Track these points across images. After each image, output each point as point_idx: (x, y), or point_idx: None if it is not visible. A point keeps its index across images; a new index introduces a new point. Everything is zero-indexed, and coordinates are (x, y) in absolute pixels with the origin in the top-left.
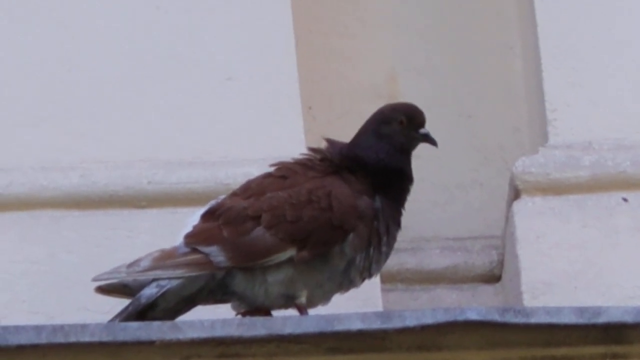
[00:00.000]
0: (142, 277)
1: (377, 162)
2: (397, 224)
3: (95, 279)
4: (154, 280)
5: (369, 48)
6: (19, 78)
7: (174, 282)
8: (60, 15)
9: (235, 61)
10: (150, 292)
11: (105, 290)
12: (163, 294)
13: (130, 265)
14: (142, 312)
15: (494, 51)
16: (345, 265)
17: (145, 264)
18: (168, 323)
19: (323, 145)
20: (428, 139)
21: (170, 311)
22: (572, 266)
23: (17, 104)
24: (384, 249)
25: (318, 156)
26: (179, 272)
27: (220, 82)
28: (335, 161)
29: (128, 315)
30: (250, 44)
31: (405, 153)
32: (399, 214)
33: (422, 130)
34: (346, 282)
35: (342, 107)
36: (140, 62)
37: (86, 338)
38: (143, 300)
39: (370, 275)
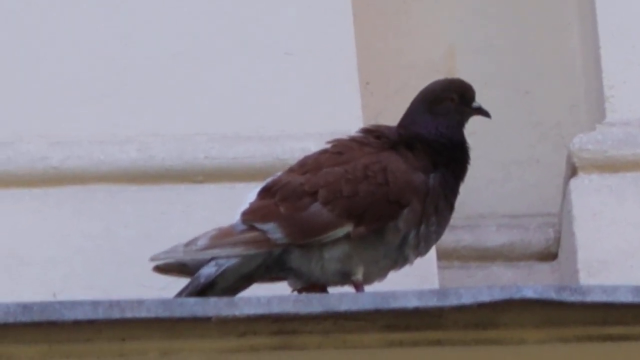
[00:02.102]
0: (200, 256)
1: (439, 136)
2: (450, 205)
3: (152, 259)
4: (212, 259)
5: (427, 24)
6: (76, 53)
7: (232, 261)
8: None
9: (293, 36)
10: (209, 271)
11: (163, 269)
12: (222, 273)
13: (187, 244)
14: (202, 292)
15: (552, 28)
16: (399, 241)
17: (202, 242)
18: (225, 299)
19: (375, 126)
20: (481, 111)
21: (228, 289)
22: (629, 244)
23: (74, 79)
24: (432, 227)
25: (373, 134)
26: (237, 250)
27: (278, 57)
28: (392, 138)
29: (188, 295)
30: (309, 19)
31: (460, 127)
32: (454, 194)
33: (474, 104)
34: (401, 259)
35: (399, 82)
36: (198, 37)
37: (143, 314)
38: (202, 280)
39: (419, 254)
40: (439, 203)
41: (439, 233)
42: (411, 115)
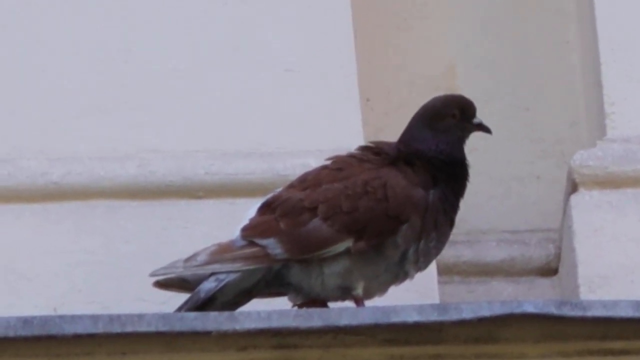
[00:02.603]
0: (200, 272)
1: (439, 153)
2: (450, 220)
3: (152, 274)
4: (212, 274)
5: (428, 41)
6: (77, 68)
7: (232, 276)
8: (119, 6)
9: (293, 53)
10: (209, 286)
11: (163, 284)
12: (222, 288)
13: (187, 259)
14: (202, 306)
15: (552, 45)
16: (399, 256)
17: (202, 258)
18: (225, 313)
19: (375, 142)
20: (482, 127)
21: (228, 304)
22: (630, 260)
23: (75, 94)
24: (432, 243)
25: (372, 151)
26: (237, 266)
27: (278, 74)
28: (391, 154)
29: (188, 310)
30: (309, 35)
31: (461, 143)
32: (454, 210)
33: (475, 120)
34: (401, 274)
35: (400, 99)
36: (198, 53)
37: (143, 328)
38: (202, 295)
39: (419, 269)
40: (439, 219)
41: (438, 248)
42: (411, 131)
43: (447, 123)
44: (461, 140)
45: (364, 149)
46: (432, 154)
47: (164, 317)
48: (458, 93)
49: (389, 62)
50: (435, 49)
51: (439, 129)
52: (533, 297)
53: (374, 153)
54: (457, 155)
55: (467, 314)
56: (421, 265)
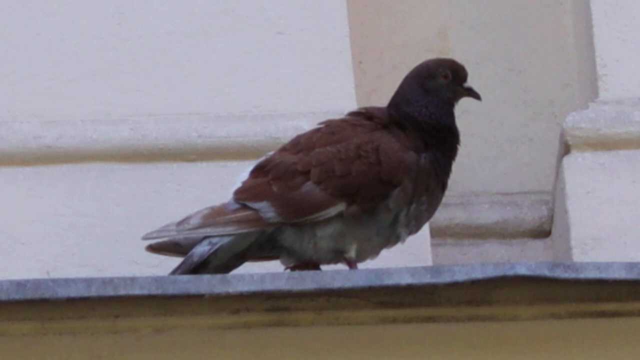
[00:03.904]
0: (193, 235)
1: (428, 116)
2: (442, 184)
3: (145, 237)
4: (205, 237)
5: (420, 3)
6: (70, 32)
7: (225, 239)
8: None
9: (286, 15)
10: (202, 250)
11: (156, 248)
12: (215, 252)
13: (179, 223)
14: (195, 270)
15: (545, 7)
16: (391, 219)
17: (195, 221)
18: (217, 276)
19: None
20: (472, 92)
21: (221, 267)
22: (622, 222)
23: (68, 58)
24: (423, 207)
25: (363, 116)
26: (229, 229)
27: (270, 36)
28: (383, 118)
29: (181, 274)
30: None
31: (450, 106)
32: (446, 174)
33: (466, 85)
34: (393, 237)
35: (393, 61)
36: (191, 16)
37: (136, 291)
38: (195, 259)
39: (411, 232)
40: (430, 182)
41: (430, 212)
42: (402, 91)
43: (438, 83)
44: (451, 103)
45: (355, 114)
46: (421, 118)
47: (156, 280)
48: (450, 57)
49: (381, 24)
50: (428, 11)
51: (429, 88)
52: (526, 259)
53: (366, 118)
54: (446, 120)
55: (460, 276)
56: (412, 228)
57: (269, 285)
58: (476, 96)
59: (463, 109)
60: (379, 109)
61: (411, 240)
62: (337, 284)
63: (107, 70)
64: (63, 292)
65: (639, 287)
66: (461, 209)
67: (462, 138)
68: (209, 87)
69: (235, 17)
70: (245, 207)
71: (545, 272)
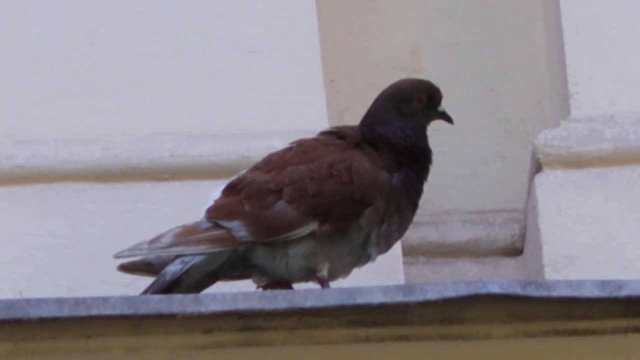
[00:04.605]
0: (165, 254)
1: (403, 138)
2: (413, 204)
3: (117, 256)
4: (177, 256)
5: (393, 22)
6: (41, 52)
7: (198, 258)
8: None
9: (257, 34)
10: (174, 268)
11: (128, 268)
12: (187, 271)
13: (151, 241)
14: (167, 289)
15: (517, 25)
16: (363, 238)
17: (167, 240)
18: (190, 296)
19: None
20: (445, 116)
21: (193, 286)
22: (594, 239)
23: (40, 78)
24: (394, 226)
25: (336, 136)
26: (202, 248)
27: (242, 56)
28: (355, 137)
29: (154, 293)
30: (273, 17)
31: (424, 129)
32: (418, 194)
33: (440, 108)
34: (364, 256)
35: (365, 80)
36: (162, 36)
37: (108, 311)
38: (168, 278)
39: (380, 252)
40: (402, 202)
41: (400, 232)
42: (376, 112)
43: (414, 107)
44: (424, 126)
45: (327, 133)
46: (396, 140)
47: (129, 300)
48: (424, 77)
49: (353, 43)
50: (400, 30)
51: (404, 111)
52: (498, 277)
53: (338, 137)
54: (419, 142)
55: (432, 295)
56: (383, 247)
57: (241, 305)
58: (449, 120)
59: (435, 127)
60: (351, 127)
61: (383, 258)
62: (309, 303)
63: (79, 90)
64: (35, 312)
65: (612, 305)
66: (433, 228)
67: (434, 157)
68: (181, 106)
69: (207, 36)
70: (217, 226)
71: (518, 291)
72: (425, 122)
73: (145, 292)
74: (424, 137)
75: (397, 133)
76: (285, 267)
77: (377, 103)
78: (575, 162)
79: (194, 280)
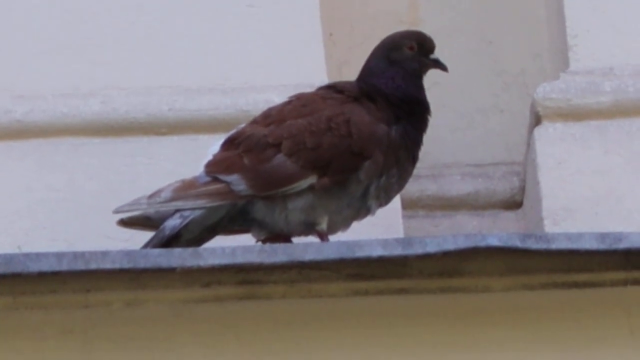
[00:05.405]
0: (164, 208)
1: (394, 89)
2: (413, 157)
3: (116, 211)
4: (176, 211)
5: None
6: (38, 6)
7: (197, 212)
8: None
9: None
10: (174, 223)
11: (127, 223)
12: (186, 225)
13: (150, 196)
14: (167, 243)
15: None
16: (361, 192)
17: (166, 194)
18: (189, 250)
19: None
20: (438, 64)
21: (193, 241)
22: (593, 192)
23: (37, 32)
24: (393, 179)
25: (334, 90)
26: (201, 202)
27: (241, 9)
28: (353, 91)
29: (153, 247)
30: None
31: (417, 79)
32: (417, 146)
33: (432, 56)
34: (364, 209)
35: (363, 33)
36: None
37: (107, 265)
38: (167, 232)
39: (381, 204)
40: (400, 154)
41: (400, 184)
42: (369, 64)
43: (403, 54)
44: (417, 75)
45: (325, 88)
46: (388, 91)
47: (128, 254)
48: (423, 29)
49: None
50: None
51: (394, 59)
52: (497, 230)
53: (336, 91)
54: (413, 91)
55: (431, 248)
56: (382, 200)
57: (240, 259)
58: (443, 67)
59: (433, 80)
60: (349, 83)
61: (382, 212)
62: (308, 256)
63: (77, 44)
64: (34, 267)
65: (611, 257)
66: (432, 181)
67: (432, 110)
68: (179, 60)
69: None
70: (216, 179)
71: (517, 243)
72: (418, 70)
73: (145, 246)
74: (417, 87)
75: (388, 83)
76: (284, 220)
77: (370, 55)
78: (575, 114)
79: (193, 235)
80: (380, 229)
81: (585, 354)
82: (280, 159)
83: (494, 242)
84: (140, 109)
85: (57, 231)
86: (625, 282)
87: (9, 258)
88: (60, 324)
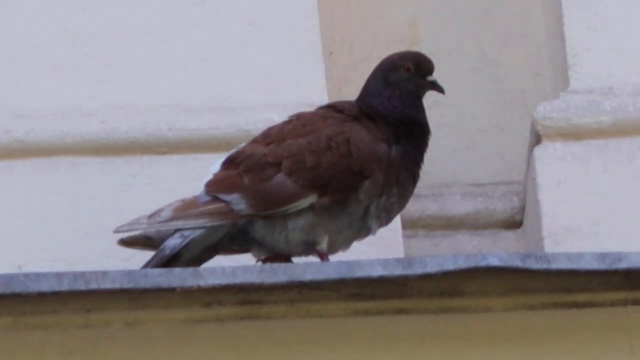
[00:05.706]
0: (165, 228)
1: (391, 109)
2: (413, 177)
3: (116, 231)
4: (177, 230)
5: None
6: (39, 24)
7: (197, 232)
8: None
9: (256, 7)
10: (174, 242)
11: (127, 242)
12: (187, 244)
13: (151, 216)
14: (167, 263)
15: None
16: (362, 211)
17: (166, 214)
18: (189, 270)
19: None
20: (435, 86)
21: (193, 260)
22: (593, 212)
23: (38, 51)
24: (394, 199)
25: (334, 109)
26: (201, 222)
27: (241, 28)
28: (353, 111)
29: (153, 267)
30: None
31: (415, 100)
32: (417, 166)
33: (429, 78)
34: (364, 229)
35: (363, 52)
36: (161, 8)
37: (107, 285)
38: (167, 252)
39: (382, 224)
40: (401, 174)
41: (401, 204)
42: (368, 84)
43: (400, 75)
44: (415, 96)
45: (325, 108)
46: (385, 112)
47: (128, 274)
48: (423, 49)
49: (351, 15)
50: (398, 1)
51: (391, 80)
52: (497, 250)
53: (336, 110)
54: (410, 112)
55: (431, 268)
56: (383, 220)
57: (240, 278)
58: (440, 90)
59: (433, 100)
60: (349, 102)
61: (383, 232)
62: (308, 276)
63: (77, 64)
64: (34, 287)
65: (611, 277)
66: (432, 200)
67: (433, 129)
68: (180, 79)
69: (206, 8)
70: (216, 199)
71: (517, 263)
72: (416, 91)
73: (145, 266)
74: (415, 107)
75: (385, 104)
76: (284, 240)
77: (370, 76)
78: (574, 134)
79: (194, 254)
80: (380, 248)
81: None
82: (280, 178)
83: (494, 262)
84: (141, 128)
85: (57, 251)
86: (625, 302)
87: (9, 278)
88: (61, 345)
